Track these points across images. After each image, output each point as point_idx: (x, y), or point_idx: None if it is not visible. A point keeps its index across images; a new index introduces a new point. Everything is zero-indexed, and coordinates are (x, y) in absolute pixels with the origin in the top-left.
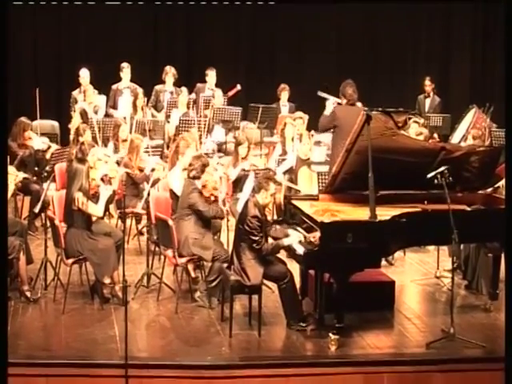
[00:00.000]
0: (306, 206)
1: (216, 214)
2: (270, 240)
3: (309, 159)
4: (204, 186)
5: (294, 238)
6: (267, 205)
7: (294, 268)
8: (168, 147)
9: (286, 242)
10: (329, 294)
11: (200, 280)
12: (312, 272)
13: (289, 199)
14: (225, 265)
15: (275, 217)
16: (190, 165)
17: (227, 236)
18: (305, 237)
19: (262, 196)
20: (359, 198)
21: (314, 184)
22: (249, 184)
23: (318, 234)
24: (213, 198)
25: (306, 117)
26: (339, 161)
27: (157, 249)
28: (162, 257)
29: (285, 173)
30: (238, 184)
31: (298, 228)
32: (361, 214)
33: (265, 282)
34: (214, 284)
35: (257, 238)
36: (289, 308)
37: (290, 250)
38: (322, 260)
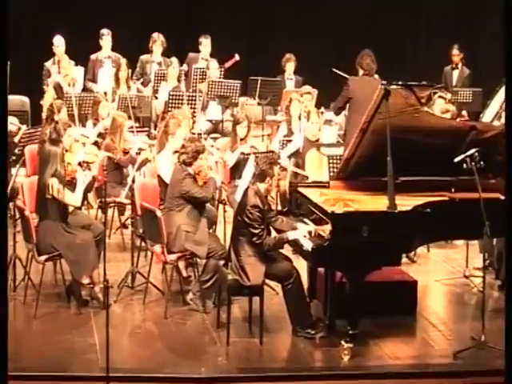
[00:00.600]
0: (314, 195)
1: (211, 193)
2: (274, 233)
3: (318, 140)
4: (197, 174)
5: (301, 231)
6: (270, 193)
7: (301, 266)
8: (156, 127)
9: (291, 235)
10: (341, 296)
11: (193, 280)
12: (321, 270)
13: (295, 187)
14: (221, 262)
15: (279, 207)
16: (182, 148)
17: (224, 229)
18: (312, 231)
19: (264, 183)
20: (376, 186)
21: (324, 169)
22: (249, 169)
23: (328, 227)
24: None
25: (315, 92)
26: (353, 142)
27: (143, 244)
28: (149, 253)
29: (290, 156)
30: (236, 170)
31: (306, 220)
32: (378, 203)
33: (267, 281)
34: (208, 284)
35: (258, 231)
36: (295, 312)
37: (296, 245)
38: (333, 256)
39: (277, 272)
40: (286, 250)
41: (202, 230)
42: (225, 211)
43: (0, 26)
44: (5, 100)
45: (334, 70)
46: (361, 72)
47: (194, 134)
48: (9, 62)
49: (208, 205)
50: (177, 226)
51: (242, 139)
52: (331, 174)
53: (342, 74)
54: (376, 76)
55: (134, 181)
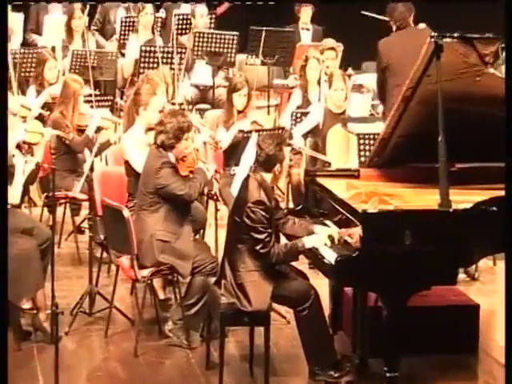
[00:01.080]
0: (339, 188)
1: (198, 191)
2: (284, 240)
3: (344, 113)
4: (182, 160)
5: (321, 237)
6: (277, 183)
7: (321, 285)
8: (122, 95)
9: (307, 243)
10: (376, 326)
11: (173, 304)
12: (349, 291)
13: (313, 176)
14: (212, 280)
15: (291, 204)
16: (160, 125)
17: (215, 234)
18: (336, 237)
19: (271, 172)
20: (423, 175)
21: (353, 153)
22: (249, 153)
23: (358, 231)
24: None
25: (340, 47)
26: (392, 115)
27: (105, 255)
28: (113, 267)
29: (306, 135)
30: (232, 153)
31: (327, 222)
32: (425, 199)
33: (275, 306)
34: (194, 310)
35: (262, 237)
36: (312, 348)
37: (314, 257)
38: (365, 272)
39: (288, 293)
40: (301, 264)
41: (184, 236)
42: (217, 210)
43: (0, 25)
44: (5, 99)
45: (365, 12)
46: (394, 26)
47: (174, 104)
48: None
49: (197, 203)
50: (151, 231)
51: (240, 112)
52: (362, 159)
53: (376, 16)
54: (422, 25)
55: (92, 169)
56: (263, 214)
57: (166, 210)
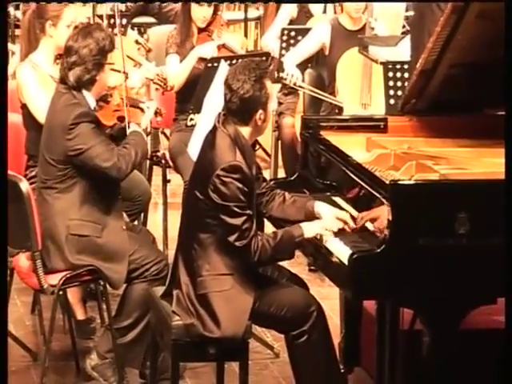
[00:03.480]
0: (356, 147)
1: (132, 162)
2: (270, 228)
3: (363, 31)
4: (105, 102)
5: (327, 222)
6: (260, 136)
7: (328, 297)
8: (19, 5)
9: (307, 231)
10: (413, 360)
11: (98, 328)
12: (371, 307)
13: (315, 129)
14: (159, 290)
15: (281, 172)
16: (69, 54)
17: (164, 220)
18: (350, 223)
19: (250, 122)
20: (487, 127)
21: (377, 92)
22: (217, 94)
23: (384, 214)
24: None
25: None
26: (437, 34)
27: None
28: (8, 271)
29: (305, 65)
30: (189, 95)
31: (337, 199)
32: (490, 164)
33: (256, 329)
34: (131, 337)
35: (238, 222)
36: None
37: (317, 254)
38: (396, 277)
39: (278, 310)
40: (298, 264)
41: (113, 226)
42: (166, 181)
43: (0, 25)
44: (5, 98)
45: None
46: None
47: (98, 17)
48: None
49: (134, 171)
50: (61, 220)
51: (202, 30)
52: (392, 101)
53: None
54: None
55: None
56: (239, 186)
57: (82, 188)
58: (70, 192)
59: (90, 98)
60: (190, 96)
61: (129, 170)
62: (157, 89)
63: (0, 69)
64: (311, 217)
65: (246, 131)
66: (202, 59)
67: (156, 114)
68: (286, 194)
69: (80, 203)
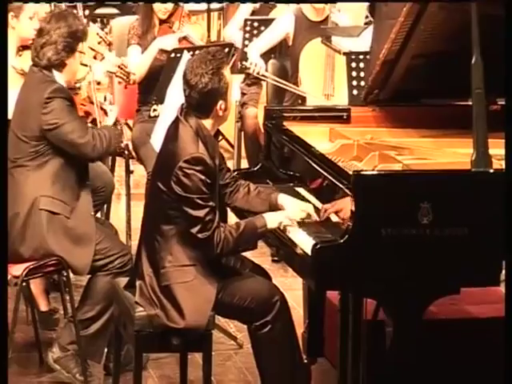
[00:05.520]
0: (319, 137)
1: (106, 145)
2: (233, 219)
3: (326, 21)
4: (74, 95)
5: (291, 212)
6: (221, 125)
7: (291, 287)
8: None
9: (270, 222)
10: (376, 350)
11: (60, 320)
12: (334, 297)
13: (278, 120)
14: (122, 281)
15: (244, 163)
16: (41, 35)
17: (127, 212)
18: (313, 215)
19: (211, 115)
20: (448, 118)
21: (340, 82)
22: (177, 85)
23: (348, 205)
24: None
25: None
26: (400, 24)
27: None
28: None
29: (268, 55)
30: (151, 86)
31: (300, 189)
32: (452, 154)
33: (220, 320)
34: (93, 329)
35: (201, 214)
36: (276, 383)
37: (280, 244)
38: (359, 267)
39: (241, 301)
40: (261, 255)
41: (81, 210)
42: (129, 173)
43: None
44: (5, 98)
45: None
46: None
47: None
48: None
49: (98, 162)
50: (33, 194)
51: (163, 21)
52: (355, 91)
53: None
54: None
55: None
56: (202, 178)
57: (55, 166)
58: (41, 169)
59: (61, 80)
60: (152, 87)
61: (103, 150)
62: (119, 82)
63: (0, 68)
64: (275, 209)
65: (207, 123)
66: (163, 51)
67: (115, 124)
68: (251, 184)
69: (51, 181)
